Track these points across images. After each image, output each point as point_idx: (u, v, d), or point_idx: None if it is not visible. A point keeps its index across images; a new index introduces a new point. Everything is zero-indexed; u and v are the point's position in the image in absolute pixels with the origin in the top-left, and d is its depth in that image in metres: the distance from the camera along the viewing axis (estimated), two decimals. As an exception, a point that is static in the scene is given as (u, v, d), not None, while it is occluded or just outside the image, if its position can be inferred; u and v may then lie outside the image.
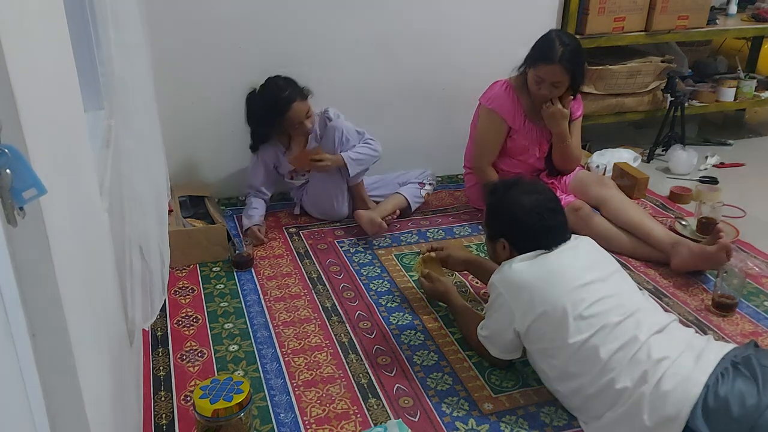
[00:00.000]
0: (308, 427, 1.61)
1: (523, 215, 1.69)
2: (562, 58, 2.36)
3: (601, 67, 3.19)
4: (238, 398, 1.49)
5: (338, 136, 2.54)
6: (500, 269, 1.70)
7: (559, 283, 1.59)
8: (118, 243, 1.45)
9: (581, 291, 1.57)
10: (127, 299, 1.48)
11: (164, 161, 2.12)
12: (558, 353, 1.58)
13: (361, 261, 2.40)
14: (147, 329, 1.91)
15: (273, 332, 1.98)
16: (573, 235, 1.74)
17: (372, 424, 1.61)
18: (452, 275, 2.28)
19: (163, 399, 1.71)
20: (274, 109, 2.49)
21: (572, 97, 2.52)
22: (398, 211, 2.65)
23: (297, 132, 2.58)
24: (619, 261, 1.77)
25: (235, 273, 2.31)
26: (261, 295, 2.17)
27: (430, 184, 2.79)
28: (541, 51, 2.41)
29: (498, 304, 1.68)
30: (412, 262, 2.38)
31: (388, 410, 1.67)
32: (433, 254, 2.17)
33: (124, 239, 1.46)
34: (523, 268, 1.64)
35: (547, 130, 2.58)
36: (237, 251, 2.34)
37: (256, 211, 2.59)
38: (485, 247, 1.95)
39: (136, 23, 1.68)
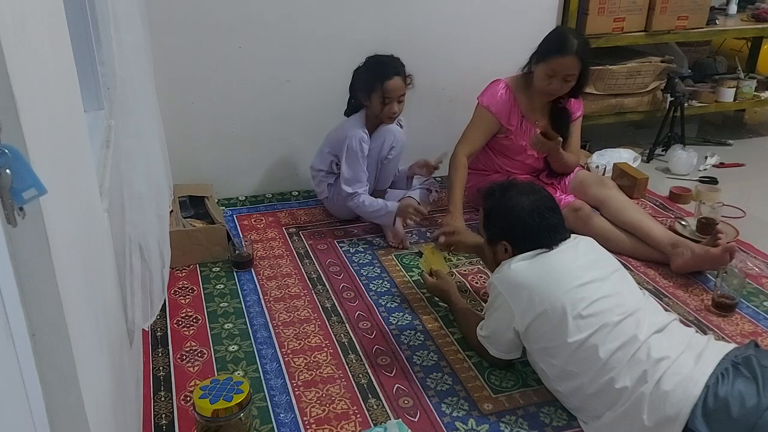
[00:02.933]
0: (308, 427, 1.61)
1: (524, 216, 1.69)
2: (578, 50, 2.36)
3: (600, 68, 3.19)
4: (238, 398, 1.49)
5: (398, 144, 2.60)
6: (499, 269, 1.70)
7: (558, 282, 1.59)
8: (118, 243, 1.45)
9: (581, 290, 1.57)
10: (127, 299, 1.48)
11: (167, 161, 2.12)
12: (557, 353, 1.58)
13: (361, 261, 2.40)
14: (147, 329, 1.91)
15: (273, 332, 1.98)
16: (573, 235, 1.75)
17: (372, 424, 1.61)
18: (453, 276, 2.28)
19: (163, 399, 1.71)
20: (376, 74, 2.47)
21: (571, 99, 2.52)
22: None
23: (385, 113, 2.52)
24: (619, 261, 1.77)
25: (235, 273, 2.31)
26: (261, 296, 2.17)
27: (437, 191, 2.82)
28: (554, 43, 2.41)
29: (497, 303, 1.68)
30: (412, 262, 2.38)
31: (388, 410, 1.67)
32: (442, 239, 2.18)
33: (124, 239, 1.46)
34: (522, 267, 1.64)
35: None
36: (237, 251, 2.34)
37: (384, 202, 2.52)
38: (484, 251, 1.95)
39: (137, 23, 1.69)
